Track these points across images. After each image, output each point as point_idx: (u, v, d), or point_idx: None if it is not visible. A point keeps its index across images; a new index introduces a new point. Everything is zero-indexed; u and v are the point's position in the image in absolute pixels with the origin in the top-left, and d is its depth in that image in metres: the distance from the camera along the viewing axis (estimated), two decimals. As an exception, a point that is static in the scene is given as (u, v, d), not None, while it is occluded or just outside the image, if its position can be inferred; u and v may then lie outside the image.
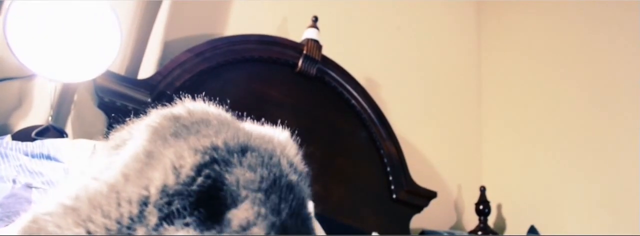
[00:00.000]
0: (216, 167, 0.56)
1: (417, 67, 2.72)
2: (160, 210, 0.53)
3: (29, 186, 1.04)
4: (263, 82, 2.01)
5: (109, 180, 0.57)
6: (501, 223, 2.63)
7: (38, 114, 1.50)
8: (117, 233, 0.53)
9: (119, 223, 0.53)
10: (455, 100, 2.86)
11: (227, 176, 0.55)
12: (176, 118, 0.64)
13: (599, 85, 2.45)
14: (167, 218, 0.53)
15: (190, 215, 0.53)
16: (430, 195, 2.29)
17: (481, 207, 2.47)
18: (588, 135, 2.43)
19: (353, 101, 2.20)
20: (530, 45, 2.81)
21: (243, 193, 0.54)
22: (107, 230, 0.53)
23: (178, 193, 0.54)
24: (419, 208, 2.28)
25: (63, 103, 1.57)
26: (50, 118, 1.46)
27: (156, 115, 0.66)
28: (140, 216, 0.53)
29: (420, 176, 2.31)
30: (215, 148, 0.57)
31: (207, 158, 0.56)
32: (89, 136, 1.48)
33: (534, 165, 2.59)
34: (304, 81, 2.10)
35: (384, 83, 2.50)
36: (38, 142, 1.25)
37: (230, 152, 0.58)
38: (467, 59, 3.00)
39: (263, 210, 0.53)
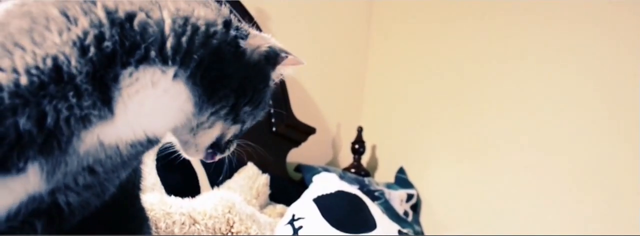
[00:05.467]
0: None
1: (310, 4, 2.68)
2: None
3: None
4: None
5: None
6: (374, 163, 2.74)
7: None
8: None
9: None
10: (344, 40, 2.87)
11: None
12: None
13: (482, 44, 2.56)
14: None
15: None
16: (309, 130, 2.32)
17: (357, 146, 2.55)
18: (461, 90, 2.56)
19: (241, 30, 2.12)
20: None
21: None
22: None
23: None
24: (297, 143, 2.30)
25: None
26: None
27: None
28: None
29: (301, 112, 2.32)
30: None
31: None
32: None
33: (411, 112, 2.70)
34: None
35: (275, 16, 2.44)
36: None
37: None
38: (359, 0, 3.00)
39: None
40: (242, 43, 0.71)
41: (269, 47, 0.75)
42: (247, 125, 0.78)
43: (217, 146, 0.77)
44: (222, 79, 0.69)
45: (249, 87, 0.72)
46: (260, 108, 0.76)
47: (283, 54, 0.76)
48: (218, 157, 0.79)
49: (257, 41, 0.73)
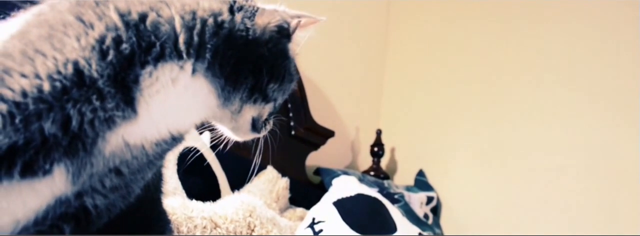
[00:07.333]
0: None
1: (328, 8, 2.69)
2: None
3: None
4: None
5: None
6: (393, 166, 2.73)
7: None
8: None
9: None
10: (362, 43, 2.87)
11: None
12: None
13: (500, 47, 2.54)
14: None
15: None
16: (328, 134, 2.32)
17: (376, 149, 2.55)
18: (480, 92, 2.55)
19: (258, 34, 2.13)
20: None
21: None
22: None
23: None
24: (316, 146, 2.31)
25: None
26: None
27: None
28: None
29: (320, 115, 2.33)
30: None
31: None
32: None
33: (430, 114, 2.69)
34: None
35: (293, 20, 2.45)
36: None
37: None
38: (377, 4, 3.00)
39: None
40: (250, 24, 0.71)
41: (278, 20, 0.74)
42: (280, 100, 0.78)
43: (254, 127, 0.78)
44: (240, 64, 0.69)
45: (267, 65, 0.72)
46: (287, 82, 0.76)
47: (296, 20, 0.75)
48: (257, 136, 0.82)
49: (265, 18, 0.73)
